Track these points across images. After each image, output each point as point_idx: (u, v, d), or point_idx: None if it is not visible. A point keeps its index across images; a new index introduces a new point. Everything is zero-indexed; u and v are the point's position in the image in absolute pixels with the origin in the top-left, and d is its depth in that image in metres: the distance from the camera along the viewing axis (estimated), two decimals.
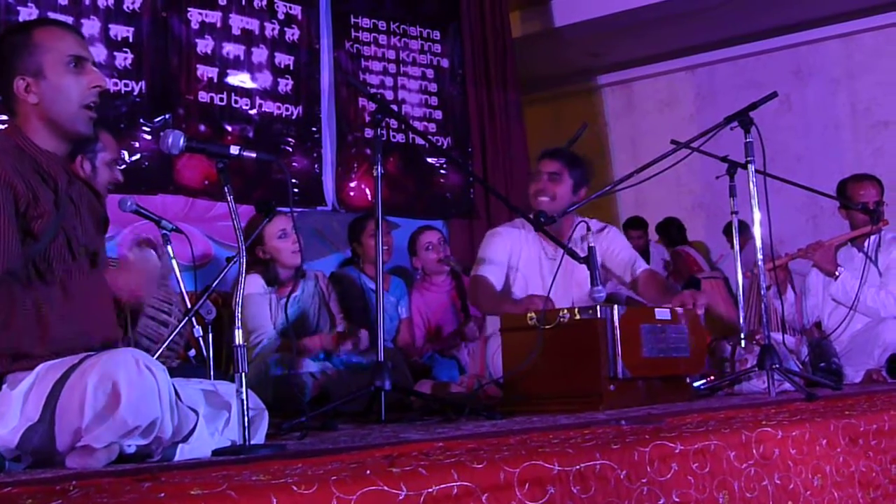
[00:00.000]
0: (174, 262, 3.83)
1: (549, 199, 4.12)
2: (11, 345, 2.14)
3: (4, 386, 2.13)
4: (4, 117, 4.65)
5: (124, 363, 2.02)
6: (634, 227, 8.28)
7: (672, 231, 8.47)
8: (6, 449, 2.07)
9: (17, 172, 2.23)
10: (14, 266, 2.18)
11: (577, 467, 1.87)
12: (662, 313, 3.56)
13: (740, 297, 4.32)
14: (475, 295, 4.18)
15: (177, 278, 3.83)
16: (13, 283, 2.14)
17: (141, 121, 5.31)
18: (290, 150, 5.97)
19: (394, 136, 6.52)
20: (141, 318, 2.51)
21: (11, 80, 2.33)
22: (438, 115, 6.84)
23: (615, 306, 3.38)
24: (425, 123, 6.75)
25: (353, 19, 6.47)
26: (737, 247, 4.26)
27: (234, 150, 2.40)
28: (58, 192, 2.32)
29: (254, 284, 4.35)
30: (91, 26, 5.15)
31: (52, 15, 4.98)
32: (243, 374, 2.20)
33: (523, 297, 3.91)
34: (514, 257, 4.20)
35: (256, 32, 5.91)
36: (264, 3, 5.95)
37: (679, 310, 3.65)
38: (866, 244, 5.12)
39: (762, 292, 3.83)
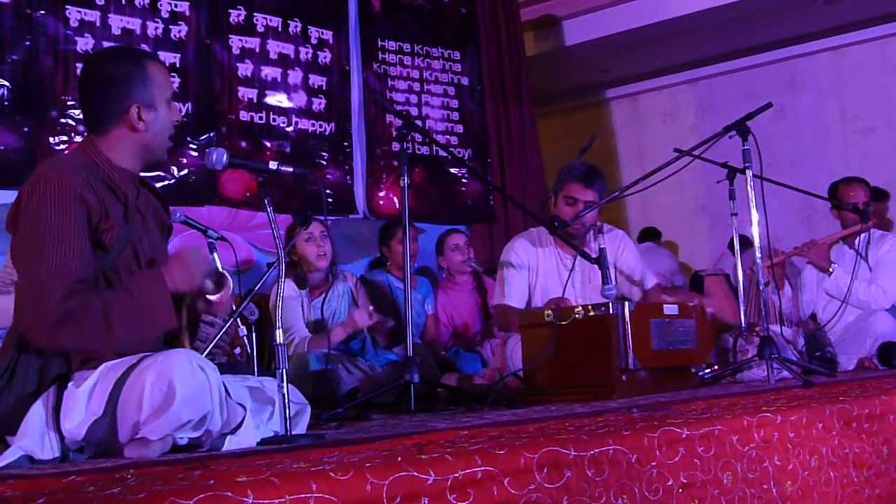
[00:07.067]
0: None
1: (583, 227, 4.06)
2: (83, 347, 2.15)
3: (71, 384, 2.14)
4: (63, 138, 4.76)
5: (179, 363, 2.04)
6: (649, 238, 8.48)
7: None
8: (73, 441, 2.10)
9: (90, 187, 2.23)
10: (87, 275, 2.18)
11: (592, 452, 1.87)
12: (671, 309, 3.55)
13: (741, 293, 4.30)
14: (506, 323, 4.13)
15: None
16: (86, 291, 2.15)
17: (188, 139, 5.34)
18: (324, 163, 5.99)
19: (419, 149, 6.53)
20: (200, 325, 2.51)
21: (126, 104, 2.33)
22: (459, 128, 6.84)
23: (626, 303, 3.37)
24: (447, 137, 6.75)
25: (379, 42, 6.49)
26: (737, 246, 4.23)
27: (273, 165, 2.42)
28: (127, 205, 2.32)
29: (286, 287, 4.35)
30: None
31: (105, 44, 5.02)
32: (284, 371, 2.22)
33: (545, 303, 3.90)
34: (533, 268, 4.19)
35: (292, 56, 5.93)
36: (298, 29, 5.98)
37: (692, 303, 3.64)
38: (856, 242, 5.09)
39: (761, 288, 3.81)
